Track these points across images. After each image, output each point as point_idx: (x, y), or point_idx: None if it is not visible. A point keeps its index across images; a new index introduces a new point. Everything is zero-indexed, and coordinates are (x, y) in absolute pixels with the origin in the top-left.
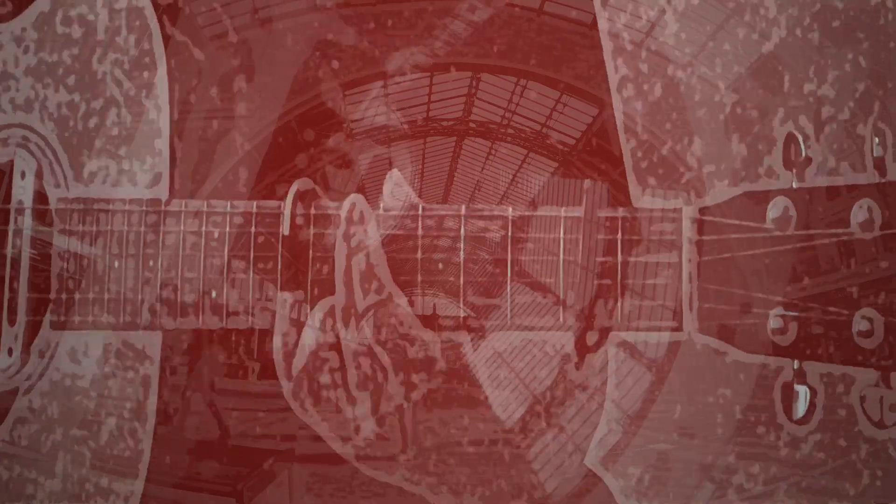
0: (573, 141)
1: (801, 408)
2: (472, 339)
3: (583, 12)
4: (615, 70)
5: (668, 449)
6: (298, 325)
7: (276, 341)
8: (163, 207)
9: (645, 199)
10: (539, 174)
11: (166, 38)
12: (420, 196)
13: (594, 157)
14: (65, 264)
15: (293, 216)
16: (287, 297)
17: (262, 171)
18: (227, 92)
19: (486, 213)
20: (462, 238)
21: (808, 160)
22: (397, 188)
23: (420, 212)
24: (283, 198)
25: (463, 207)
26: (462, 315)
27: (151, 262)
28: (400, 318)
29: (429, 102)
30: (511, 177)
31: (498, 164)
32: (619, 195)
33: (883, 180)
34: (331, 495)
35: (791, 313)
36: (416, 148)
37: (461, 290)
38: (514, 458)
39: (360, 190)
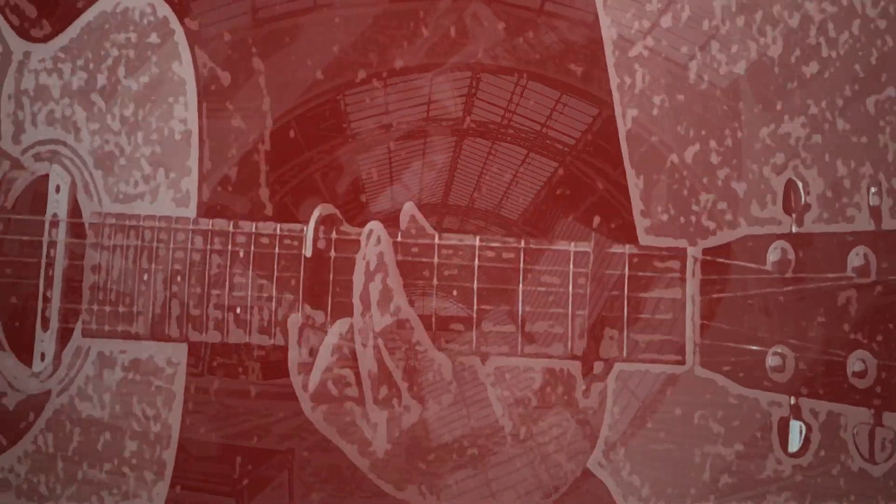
0: (573, 141)
1: (796, 442)
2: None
3: (583, 12)
4: (617, 81)
5: (668, 449)
6: (313, 344)
7: (292, 358)
8: (191, 226)
9: (650, 238)
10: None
11: (195, 61)
12: (420, 195)
13: (594, 158)
14: (96, 276)
15: (315, 239)
16: (297, 318)
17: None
18: (256, 111)
19: (499, 244)
20: (476, 268)
21: (808, 206)
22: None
23: (437, 240)
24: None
25: (477, 238)
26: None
27: (179, 278)
28: (415, 339)
29: (429, 102)
30: (511, 176)
31: (498, 163)
32: (621, 197)
33: (878, 229)
34: (331, 495)
35: (789, 352)
36: (415, 148)
37: (474, 318)
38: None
39: (361, 190)
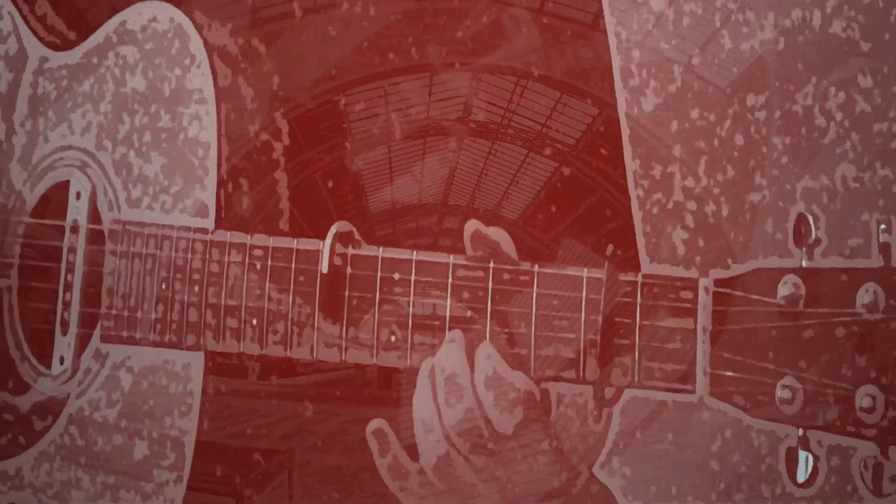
0: (573, 141)
1: (804, 472)
2: None
3: (583, 12)
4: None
5: (668, 449)
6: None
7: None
8: (209, 237)
9: (661, 267)
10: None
11: (214, 72)
12: (420, 196)
13: (594, 158)
14: (114, 282)
15: (331, 256)
16: (379, 423)
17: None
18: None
19: (512, 267)
20: (489, 289)
21: (818, 241)
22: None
23: (451, 260)
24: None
25: (491, 262)
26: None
27: (197, 288)
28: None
29: (429, 102)
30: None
31: (498, 163)
32: (621, 196)
33: (888, 265)
34: (331, 495)
35: (798, 385)
36: (415, 148)
37: (486, 337)
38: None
39: (361, 190)
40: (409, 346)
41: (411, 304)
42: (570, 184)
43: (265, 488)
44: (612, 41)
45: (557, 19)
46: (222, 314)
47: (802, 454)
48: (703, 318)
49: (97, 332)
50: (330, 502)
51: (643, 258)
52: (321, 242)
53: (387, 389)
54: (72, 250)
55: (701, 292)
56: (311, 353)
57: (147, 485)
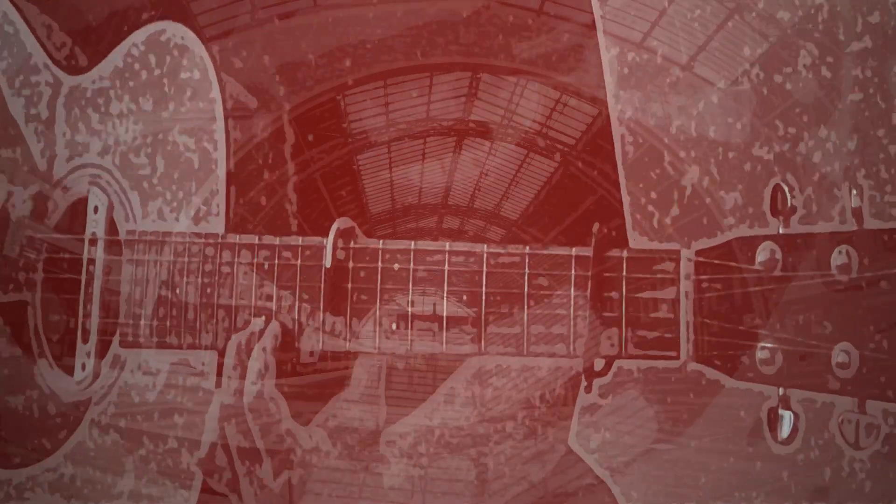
0: (573, 141)
1: (785, 430)
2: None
3: (583, 13)
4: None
5: (668, 449)
6: None
7: None
8: (219, 240)
9: (644, 241)
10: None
11: (221, 84)
12: (420, 196)
13: (594, 157)
14: (132, 289)
15: (334, 251)
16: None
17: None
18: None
19: (505, 250)
20: (484, 273)
21: (794, 209)
22: None
23: (447, 247)
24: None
25: (485, 246)
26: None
27: (209, 290)
28: None
29: (429, 102)
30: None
31: (498, 163)
32: (616, 191)
33: (860, 228)
34: (330, 496)
35: (776, 346)
36: (415, 148)
37: (482, 320)
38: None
39: (361, 191)
40: (410, 333)
41: (410, 292)
42: (569, 184)
43: (265, 488)
44: (601, 38)
45: (557, 20)
46: (233, 313)
47: (783, 413)
48: (686, 287)
49: (116, 339)
50: (330, 502)
51: (633, 234)
52: (324, 239)
53: (387, 388)
54: (91, 262)
55: (683, 263)
56: (318, 345)
57: (164, 485)
